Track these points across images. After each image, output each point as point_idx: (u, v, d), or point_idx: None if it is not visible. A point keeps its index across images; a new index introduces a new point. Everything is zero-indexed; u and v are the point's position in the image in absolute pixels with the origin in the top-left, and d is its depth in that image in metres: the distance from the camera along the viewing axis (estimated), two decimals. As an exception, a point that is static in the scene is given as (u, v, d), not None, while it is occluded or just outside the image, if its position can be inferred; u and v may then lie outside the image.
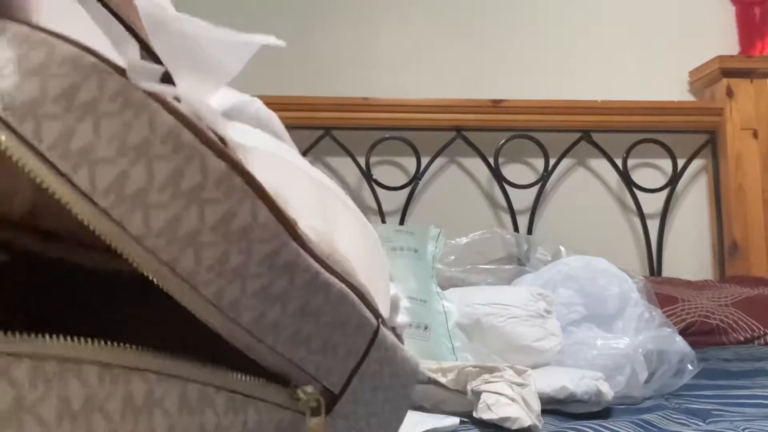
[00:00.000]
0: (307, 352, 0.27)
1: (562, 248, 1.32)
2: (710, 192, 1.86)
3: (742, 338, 1.36)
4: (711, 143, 1.84)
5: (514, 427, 0.75)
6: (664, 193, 1.81)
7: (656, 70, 1.88)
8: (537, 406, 0.79)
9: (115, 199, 0.23)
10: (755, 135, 1.80)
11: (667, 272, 1.78)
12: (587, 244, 1.50)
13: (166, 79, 0.26)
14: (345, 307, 0.28)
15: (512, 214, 1.78)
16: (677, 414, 0.86)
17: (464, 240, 1.37)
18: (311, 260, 0.27)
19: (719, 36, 1.89)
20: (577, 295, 1.09)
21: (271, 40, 0.31)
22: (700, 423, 0.82)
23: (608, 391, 0.87)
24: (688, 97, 1.90)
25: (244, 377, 0.26)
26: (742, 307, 1.40)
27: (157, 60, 0.27)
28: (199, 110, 0.25)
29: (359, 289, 0.29)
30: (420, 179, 1.77)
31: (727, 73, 1.80)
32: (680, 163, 1.81)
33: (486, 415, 0.77)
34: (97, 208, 0.23)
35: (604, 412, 0.87)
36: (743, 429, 0.75)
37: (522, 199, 1.79)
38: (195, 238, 0.24)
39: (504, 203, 1.79)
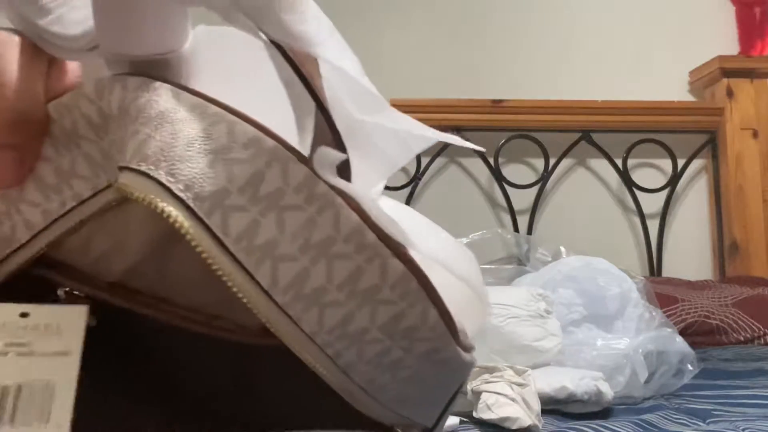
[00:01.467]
0: (415, 407, 0.27)
1: (562, 248, 1.32)
2: (710, 192, 1.85)
3: (742, 338, 1.36)
4: (711, 143, 1.84)
5: (514, 427, 0.75)
6: (664, 193, 1.81)
7: (656, 70, 1.88)
8: (537, 406, 0.79)
9: (294, 297, 0.23)
10: (755, 135, 1.80)
11: (667, 272, 1.78)
12: (587, 244, 1.50)
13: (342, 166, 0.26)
14: (465, 371, 0.29)
15: (512, 214, 1.78)
16: (677, 414, 0.86)
17: (464, 240, 1.37)
18: (461, 352, 0.27)
19: (719, 36, 1.89)
20: (577, 295, 1.09)
21: (453, 139, 0.32)
22: (700, 423, 0.82)
23: (608, 391, 0.86)
24: (688, 97, 1.90)
25: None
26: (742, 307, 1.40)
27: (336, 138, 0.27)
28: (370, 210, 0.24)
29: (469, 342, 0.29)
30: (420, 179, 1.77)
31: (727, 73, 1.80)
32: (680, 163, 1.81)
33: (486, 415, 0.77)
34: (275, 304, 0.23)
35: (604, 413, 0.87)
36: (743, 429, 0.75)
37: (522, 199, 1.79)
38: (362, 336, 0.24)
39: (504, 203, 1.79)
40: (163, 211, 0.23)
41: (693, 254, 1.84)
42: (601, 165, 1.83)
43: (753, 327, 1.37)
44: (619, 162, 1.80)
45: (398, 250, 0.24)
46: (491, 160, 1.78)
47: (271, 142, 0.24)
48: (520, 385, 0.80)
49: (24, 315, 0.27)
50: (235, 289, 0.23)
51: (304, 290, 0.23)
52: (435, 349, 0.25)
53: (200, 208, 0.23)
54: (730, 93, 1.81)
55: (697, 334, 1.32)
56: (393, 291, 0.24)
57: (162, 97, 0.24)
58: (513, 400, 0.77)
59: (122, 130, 0.25)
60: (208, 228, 0.23)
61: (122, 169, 0.24)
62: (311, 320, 0.23)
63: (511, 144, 1.77)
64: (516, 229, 1.76)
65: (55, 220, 0.27)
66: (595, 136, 1.79)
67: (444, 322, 0.25)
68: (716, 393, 0.97)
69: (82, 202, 0.26)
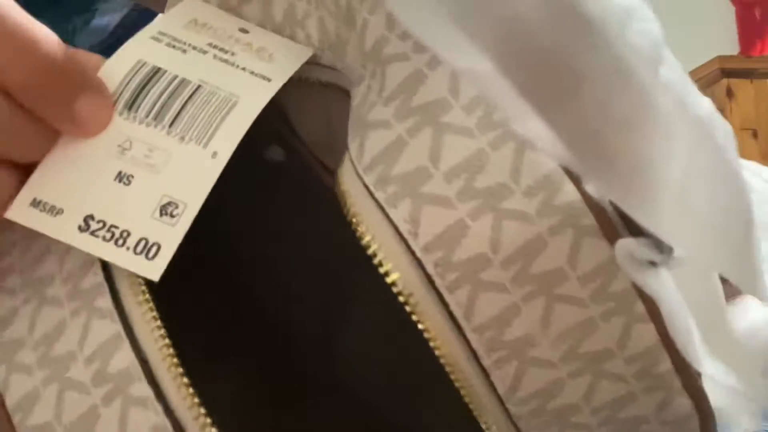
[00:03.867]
0: None
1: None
2: (710, 192, 1.85)
3: (742, 338, 1.35)
4: (711, 143, 1.83)
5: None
6: (664, 193, 1.80)
7: (656, 70, 1.88)
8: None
9: (533, 411, 0.18)
10: (755, 135, 1.79)
11: (667, 272, 1.78)
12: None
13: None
14: None
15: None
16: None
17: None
18: None
19: (719, 36, 1.89)
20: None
21: None
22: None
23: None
24: (688, 97, 1.89)
25: None
26: (742, 307, 1.40)
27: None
28: (676, 325, 0.17)
29: None
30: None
31: (727, 73, 1.80)
32: (680, 163, 1.80)
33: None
34: (505, 412, 0.18)
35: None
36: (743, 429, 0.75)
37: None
38: None
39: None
40: (387, 271, 0.17)
41: (693, 254, 1.83)
42: (601, 165, 1.83)
43: (753, 327, 1.37)
44: (619, 162, 1.79)
45: (690, 383, 0.18)
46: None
47: (571, 191, 0.16)
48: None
49: (243, 31, 0.22)
50: (457, 384, 0.17)
51: (548, 405, 0.17)
52: None
53: (443, 278, 0.16)
54: (730, 93, 1.80)
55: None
56: (664, 427, 0.18)
57: (438, 75, 0.17)
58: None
59: (374, 91, 0.18)
60: (446, 306, 0.17)
61: (355, 171, 0.18)
62: None
63: (511, 144, 1.77)
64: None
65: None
66: (595, 136, 1.79)
67: None
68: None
69: None
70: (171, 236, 0.18)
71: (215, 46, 0.21)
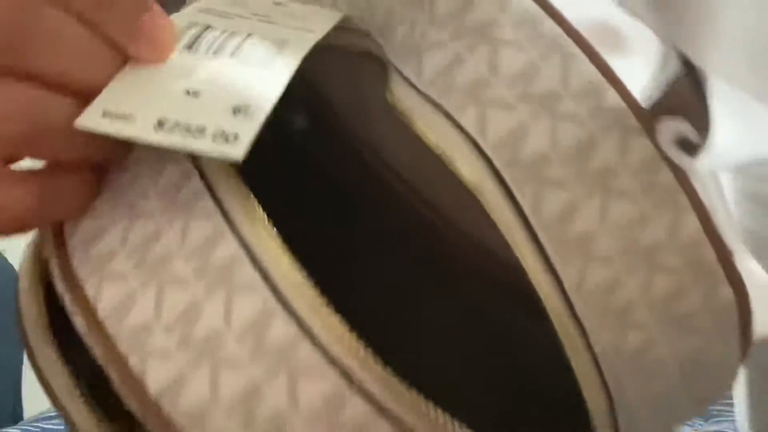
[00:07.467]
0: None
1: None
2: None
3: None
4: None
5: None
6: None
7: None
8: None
9: (595, 307, 0.18)
10: (753, 137, 1.80)
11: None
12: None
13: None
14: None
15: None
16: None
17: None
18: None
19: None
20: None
21: None
22: (702, 423, 0.81)
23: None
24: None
25: None
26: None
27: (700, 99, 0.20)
28: (716, 213, 0.19)
29: None
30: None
31: (727, 74, 1.80)
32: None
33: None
34: (570, 309, 0.18)
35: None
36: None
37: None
38: (656, 369, 0.19)
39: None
40: (462, 173, 0.18)
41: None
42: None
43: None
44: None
45: (731, 271, 0.19)
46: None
47: (613, 97, 0.18)
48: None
49: (277, 3, 0.24)
50: (537, 288, 0.18)
51: (609, 302, 0.18)
52: (718, 378, 0.21)
53: (512, 176, 0.17)
54: (729, 94, 1.80)
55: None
56: (709, 320, 0.19)
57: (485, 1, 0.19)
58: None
59: (421, 22, 0.20)
60: (515, 203, 0.18)
61: (415, 90, 0.19)
62: (604, 339, 0.18)
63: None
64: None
65: None
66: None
67: (741, 353, 0.21)
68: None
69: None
70: (248, 126, 0.18)
71: (256, 14, 0.22)
